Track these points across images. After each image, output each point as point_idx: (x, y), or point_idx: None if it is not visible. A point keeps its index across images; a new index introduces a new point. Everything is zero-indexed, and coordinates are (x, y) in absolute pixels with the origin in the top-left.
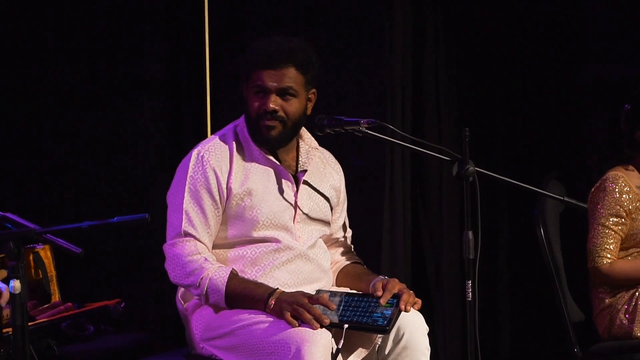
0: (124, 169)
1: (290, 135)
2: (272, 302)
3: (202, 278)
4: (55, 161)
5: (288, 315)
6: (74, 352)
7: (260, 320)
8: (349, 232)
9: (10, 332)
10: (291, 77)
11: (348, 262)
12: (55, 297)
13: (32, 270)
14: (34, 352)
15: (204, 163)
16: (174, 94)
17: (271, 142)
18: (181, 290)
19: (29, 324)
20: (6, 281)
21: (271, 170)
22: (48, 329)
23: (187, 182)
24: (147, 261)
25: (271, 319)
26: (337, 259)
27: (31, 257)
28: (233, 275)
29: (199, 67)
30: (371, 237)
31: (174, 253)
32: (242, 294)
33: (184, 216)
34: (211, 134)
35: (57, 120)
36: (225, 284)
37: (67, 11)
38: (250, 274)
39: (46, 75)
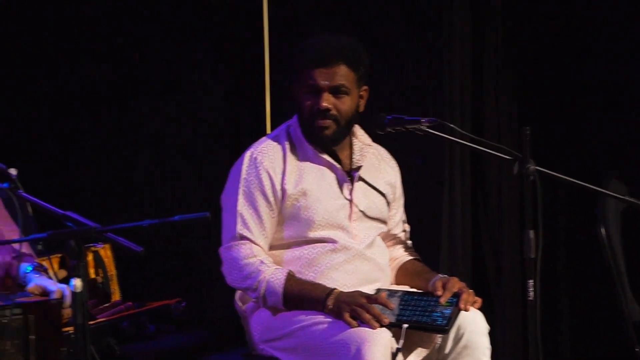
0: (184, 168)
1: (343, 133)
2: (330, 302)
3: (259, 281)
4: (116, 160)
5: (347, 315)
6: (135, 351)
7: (319, 321)
8: (408, 228)
9: (71, 331)
10: (342, 74)
11: (408, 258)
12: (116, 296)
13: (92, 270)
14: (95, 351)
15: (257, 165)
16: (234, 94)
17: (325, 141)
18: (239, 292)
19: (90, 323)
20: (67, 280)
21: (325, 169)
22: (108, 328)
23: (240, 185)
24: (208, 260)
25: (330, 320)
26: (395, 255)
27: (91, 257)
28: (290, 276)
29: (258, 66)
30: (430, 236)
31: (230, 256)
32: (300, 296)
33: (238, 219)
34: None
35: (118, 120)
36: (282, 286)
37: (131, 11)
38: (307, 275)
39: (107, 74)
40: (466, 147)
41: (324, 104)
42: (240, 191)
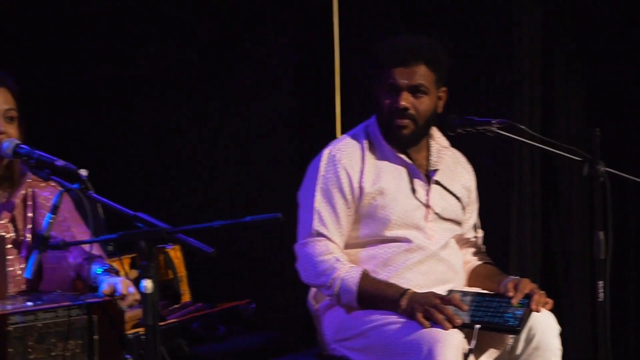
0: (254, 168)
1: (421, 134)
2: (403, 302)
3: (333, 278)
4: (186, 161)
5: (420, 315)
6: (205, 352)
7: (392, 320)
8: (481, 233)
9: (141, 332)
10: (422, 74)
11: (479, 263)
12: (186, 297)
13: (163, 271)
14: (165, 352)
15: (336, 162)
16: (303, 94)
17: (403, 141)
18: (313, 290)
19: (160, 324)
20: (137, 281)
21: (403, 169)
22: (179, 329)
23: (318, 182)
24: (278, 261)
25: (403, 320)
26: (468, 259)
27: (161, 258)
28: (365, 275)
29: (328, 66)
30: (500, 238)
31: (306, 253)
32: (374, 295)
33: (315, 216)
34: (340, 133)
35: (188, 121)
36: (357, 284)
37: (202, 7)
38: (381, 274)
39: (175, 76)
40: (536, 149)
41: (403, 103)
42: (318, 188)
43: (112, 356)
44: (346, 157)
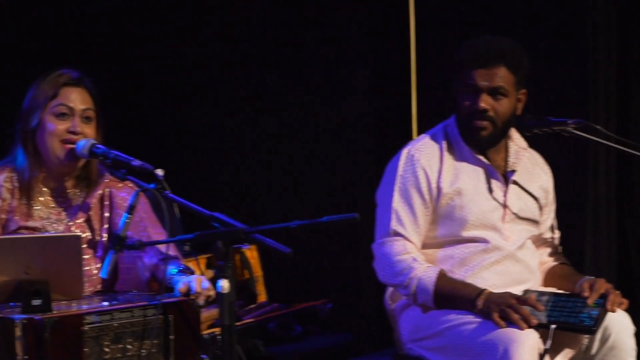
0: (331, 169)
1: (500, 136)
2: (480, 302)
3: (410, 278)
4: (263, 162)
5: (496, 315)
6: (281, 352)
7: (468, 320)
8: (557, 233)
9: (217, 332)
10: (502, 76)
11: (555, 263)
12: (262, 297)
13: (239, 271)
14: (242, 352)
15: (414, 162)
16: (380, 96)
17: (482, 142)
18: (390, 290)
19: (236, 324)
20: (213, 281)
21: (481, 170)
22: (255, 329)
23: (396, 182)
24: (354, 261)
25: (479, 320)
26: (544, 260)
27: (238, 258)
28: (441, 275)
29: (404, 68)
30: (575, 238)
31: (383, 252)
32: (450, 295)
33: (393, 215)
34: (416, 134)
35: (266, 123)
36: (433, 284)
37: (278, 15)
38: (458, 274)
39: (253, 78)
40: (611, 149)
41: (482, 105)
42: (396, 188)
43: (187, 356)
44: (424, 157)
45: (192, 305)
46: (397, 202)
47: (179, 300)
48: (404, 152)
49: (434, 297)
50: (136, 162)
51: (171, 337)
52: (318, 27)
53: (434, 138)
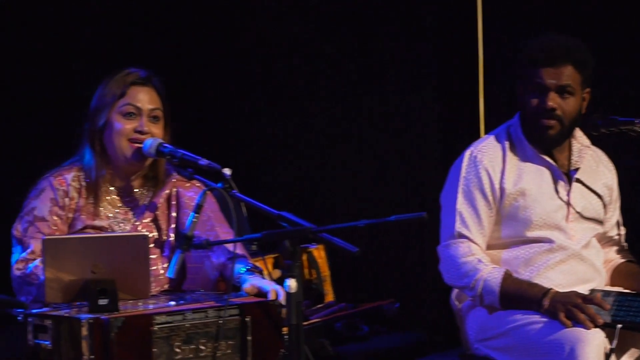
0: (398, 169)
1: (566, 135)
2: (546, 302)
3: (476, 280)
4: (331, 161)
5: (562, 315)
6: (348, 352)
7: (534, 320)
8: (623, 230)
9: (285, 332)
10: (569, 75)
11: (622, 261)
12: (329, 297)
13: (306, 270)
14: (309, 351)
15: (477, 163)
16: (447, 95)
17: (548, 141)
18: (456, 290)
19: (303, 323)
20: (281, 281)
21: (544, 170)
22: (322, 329)
23: (460, 183)
24: (421, 260)
25: (545, 320)
26: (610, 257)
27: (305, 257)
28: (507, 276)
29: (471, 67)
30: None
31: (448, 254)
32: (516, 295)
33: (457, 217)
34: (484, 133)
35: (331, 120)
36: (499, 285)
37: (342, 14)
38: (523, 274)
39: (321, 78)
40: None
41: (550, 104)
42: (460, 189)
43: (267, 356)
44: (487, 158)
45: (273, 305)
46: (461, 204)
47: (258, 300)
48: (467, 153)
49: (500, 298)
50: (203, 162)
51: (248, 337)
52: (385, 26)
53: (497, 139)
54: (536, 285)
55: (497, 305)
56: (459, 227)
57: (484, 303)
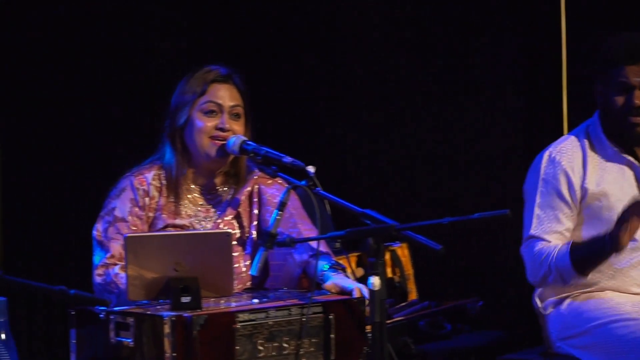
0: (480, 167)
1: None
2: (608, 234)
3: (549, 263)
4: (414, 159)
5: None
6: (431, 350)
7: (616, 319)
8: None
9: (368, 330)
10: None
11: None
12: (413, 295)
13: (390, 269)
14: (392, 349)
15: (556, 165)
16: (530, 94)
17: (637, 139)
18: (538, 289)
19: (387, 321)
20: (364, 279)
21: (626, 169)
22: (405, 327)
23: (539, 185)
24: (504, 258)
25: (628, 317)
26: None
27: (389, 256)
28: (573, 243)
29: (555, 65)
30: None
31: (527, 254)
32: (585, 252)
33: (535, 220)
34: (568, 131)
35: (417, 120)
36: (568, 252)
37: (425, 13)
38: (606, 273)
39: (402, 76)
40: None
41: (637, 102)
42: (538, 191)
43: (351, 354)
44: (566, 159)
45: (356, 303)
46: (540, 206)
47: (341, 298)
48: (546, 154)
49: (573, 264)
50: (287, 159)
51: (332, 335)
52: (469, 25)
53: (576, 139)
54: (596, 235)
55: (575, 274)
56: (534, 229)
57: (567, 282)
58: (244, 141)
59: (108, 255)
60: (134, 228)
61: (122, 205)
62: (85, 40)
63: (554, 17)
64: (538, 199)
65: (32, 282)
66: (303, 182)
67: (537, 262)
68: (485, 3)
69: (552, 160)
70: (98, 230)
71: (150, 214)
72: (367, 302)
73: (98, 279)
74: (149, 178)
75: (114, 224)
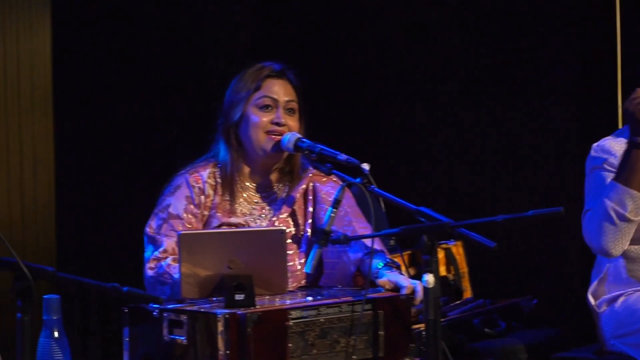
0: (536, 166)
1: None
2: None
3: (605, 206)
4: (470, 158)
5: None
6: (485, 348)
7: None
8: None
9: (422, 328)
10: None
11: None
12: (467, 293)
13: (444, 267)
14: (446, 347)
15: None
16: (584, 97)
17: None
18: (592, 286)
19: (441, 319)
20: (418, 277)
21: None
22: (460, 325)
23: (588, 180)
24: (557, 256)
25: None
26: None
27: (443, 254)
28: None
29: (610, 69)
30: None
31: (589, 219)
32: (624, 164)
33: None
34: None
35: (469, 117)
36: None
37: (479, 12)
38: None
39: (455, 73)
40: None
41: None
42: (587, 189)
43: (398, 351)
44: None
45: (404, 300)
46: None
47: (390, 295)
48: (591, 151)
49: (622, 183)
50: (342, 156)
51: (380, 332)
52: (524, 26)
53: (620, 135)
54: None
55: (628, 194)
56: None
57: (625, 208)
58: (298, 138)
59: (161, 249)
60: (189, 226)
61: (177, 202)
62: (138, 37)
63: (609, 18)
64: (589, 195)
65: (84, 279)
66: (358, 180)
67: (595, 221)
68: (540, 4)
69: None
70: (151, 226)
71: (205, 213)
72: (419, 300)
73: (150, 272)
74: (205, 176)
75: (168, 221)
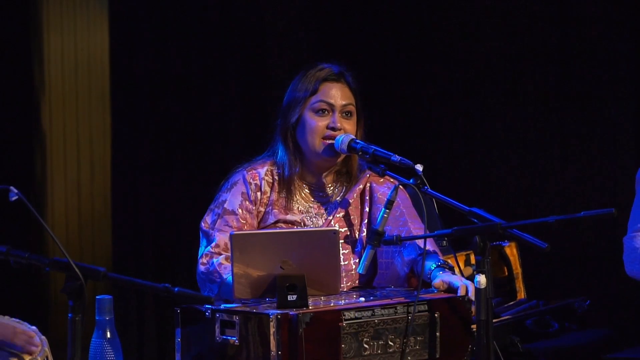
0: (590, 166)
1: None
2: None
3: None
4: (523, 160)
5: None
6: (538, 349)
7: None
8: None
9: (474, 328)
10: None
11: None
12: (521, 294)
13: (498, 268)
14: (498, 348)
15: None
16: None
17: None
18: None
19: (494, 320)
20: (471, 279)
21: None
22: (512, 326)
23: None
24: (610, 257)
25: None
26: None
27: (497, 255)
28: None
29: None
30: None
31: (631, 246)
32: None
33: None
34: None
35: (524, 119)
36: None
37: (536, 15)
38: None
39: (512, 76)
40: None
41: None
42: (636, 209)
43: (456, 353)
44: None
45: (462, 301)
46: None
47: (446, 296)
48: None
49: None
50: (395, 158)
51: (437, 333)
52: (582, 27)
53: None
54: None
55: None
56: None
57: None
58: (352, 139)
59: (213, 244)
60: (243, 221)
61: (233, 198)
62: (196, 36)
63: None
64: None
65: (135, 280)
66: (411, 181)
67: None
68: (601, 5)
69: None
70: (206, 222)
71: (261, 209)
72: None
73: (202, 268)
74: (262, 173)
75: (223, 217)
